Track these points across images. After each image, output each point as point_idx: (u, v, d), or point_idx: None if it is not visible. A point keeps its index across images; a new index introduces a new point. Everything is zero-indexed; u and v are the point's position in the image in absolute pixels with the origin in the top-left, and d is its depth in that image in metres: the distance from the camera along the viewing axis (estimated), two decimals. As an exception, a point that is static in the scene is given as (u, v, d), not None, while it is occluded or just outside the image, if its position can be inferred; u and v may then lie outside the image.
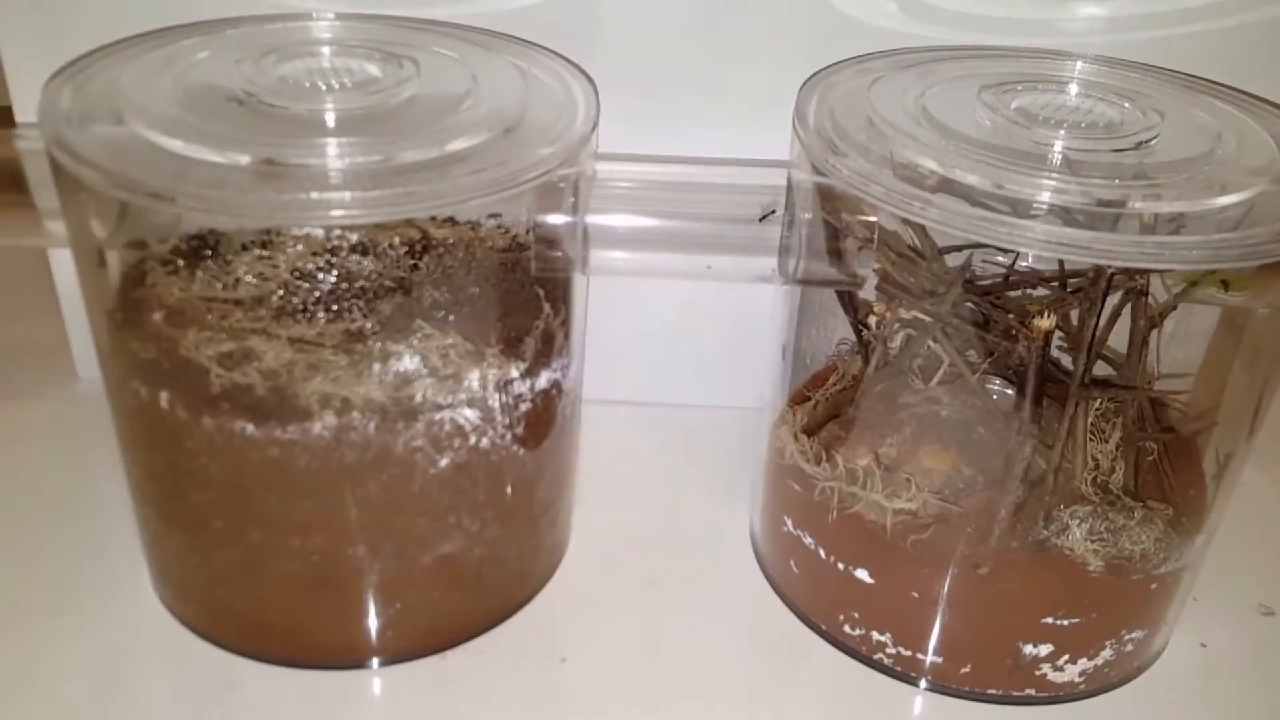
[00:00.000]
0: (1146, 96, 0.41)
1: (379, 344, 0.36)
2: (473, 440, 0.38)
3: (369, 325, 0.36)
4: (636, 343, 0.54)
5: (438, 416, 0.37)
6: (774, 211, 0.38)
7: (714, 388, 0.55)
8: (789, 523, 0.44)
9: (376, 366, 0.36)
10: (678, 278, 0.50)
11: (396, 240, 0.37)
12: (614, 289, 0.51)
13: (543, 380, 0.40)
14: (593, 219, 0.39)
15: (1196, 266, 0.35)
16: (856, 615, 0.42)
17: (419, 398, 0.36)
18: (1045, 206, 0.34)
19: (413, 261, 0.38)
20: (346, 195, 0.33)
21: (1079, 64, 0.43)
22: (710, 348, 0.54)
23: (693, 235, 0.40)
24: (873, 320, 0.42)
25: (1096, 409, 0.41)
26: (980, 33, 0.46)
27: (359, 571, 0.39)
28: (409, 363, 0.36)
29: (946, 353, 0.42)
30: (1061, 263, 0.41)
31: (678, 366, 0.55)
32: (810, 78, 0.43)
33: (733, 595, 0.46)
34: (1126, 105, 0.40)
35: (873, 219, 0.38)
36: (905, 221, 0.42)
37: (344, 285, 0.37)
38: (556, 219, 0.38)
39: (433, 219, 0.41)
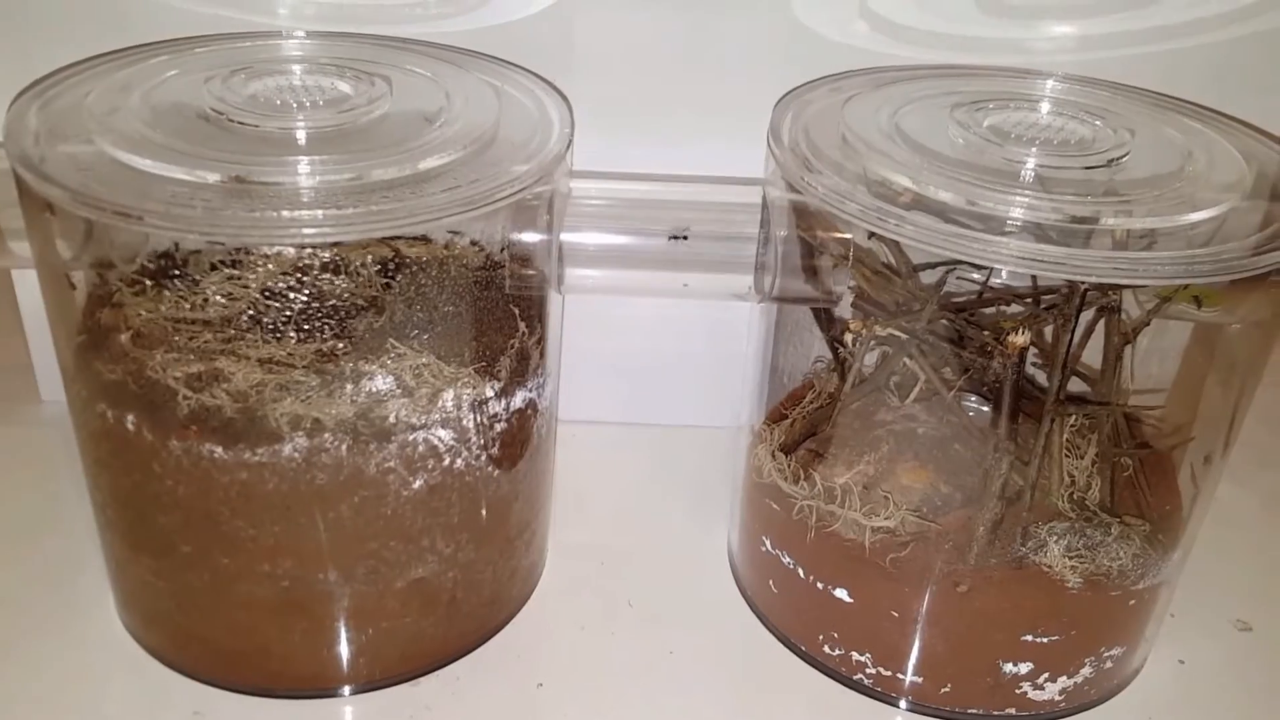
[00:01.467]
0: (1117, 114, 0.41)
1: (351, 364, 0.36)
2: (447, 461, 0.38)
3: (340, 345, 0.36)
4: (613, 363, 0.54)
5: (411, 437, 0.36)
6: (685, 236, 0.38)
7: (691, 408, 0.55)
8: (767, 542, 0.44)
9: (348, 386, 0.35)
10: (653, 295, 0.49)
11: (369, 259, 0.37)
12: (590, 310, 0.51)
13: (518, 400, 0.40)
14: (568, 237, 0.38)
15: (1169, 282, 0.35)
16: (836, 635, 0.42)
17: (392, 418, 0.36)
18: (1018, 223, 0.34)
19: (385, 280, 0.38)
20: (318, 213, 0.32)
21: (1050, 82, 0.44)
22: (687, 368, 0.54)
23: (668, 253, 0.39)
24: (849, 337, 0.42)
25: (1072, 425, 0.41)
26: (951, 52, 0.47)
27: (330, 596, 0.38)
28: (381, 382, 0.36)
29: (922, 370, 0.42)
30: (1035, 280, 0.41)
31: (655, 387, 0.55)
32: (784, 96, 0.43)
33: (711, 617, 0.46)
34: (1098, 123, 0.40)
35: (847, 236, 0.38)
36: (880, 239, 0.42)
37: (315, 305, 0.36)
38: (531, 236, 0.38)
39: (406, 238, 0.41)
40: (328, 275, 0.36)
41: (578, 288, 0.40)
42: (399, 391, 0.36)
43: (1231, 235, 0.35)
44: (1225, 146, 0.39)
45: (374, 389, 0.36)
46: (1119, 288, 0.39)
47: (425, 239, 0.41)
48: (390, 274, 0.38)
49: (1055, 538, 0.38)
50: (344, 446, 0.36)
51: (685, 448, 0.54)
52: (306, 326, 0.36)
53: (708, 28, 0.46)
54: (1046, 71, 0.45)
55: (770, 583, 0.44)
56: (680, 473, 0.53)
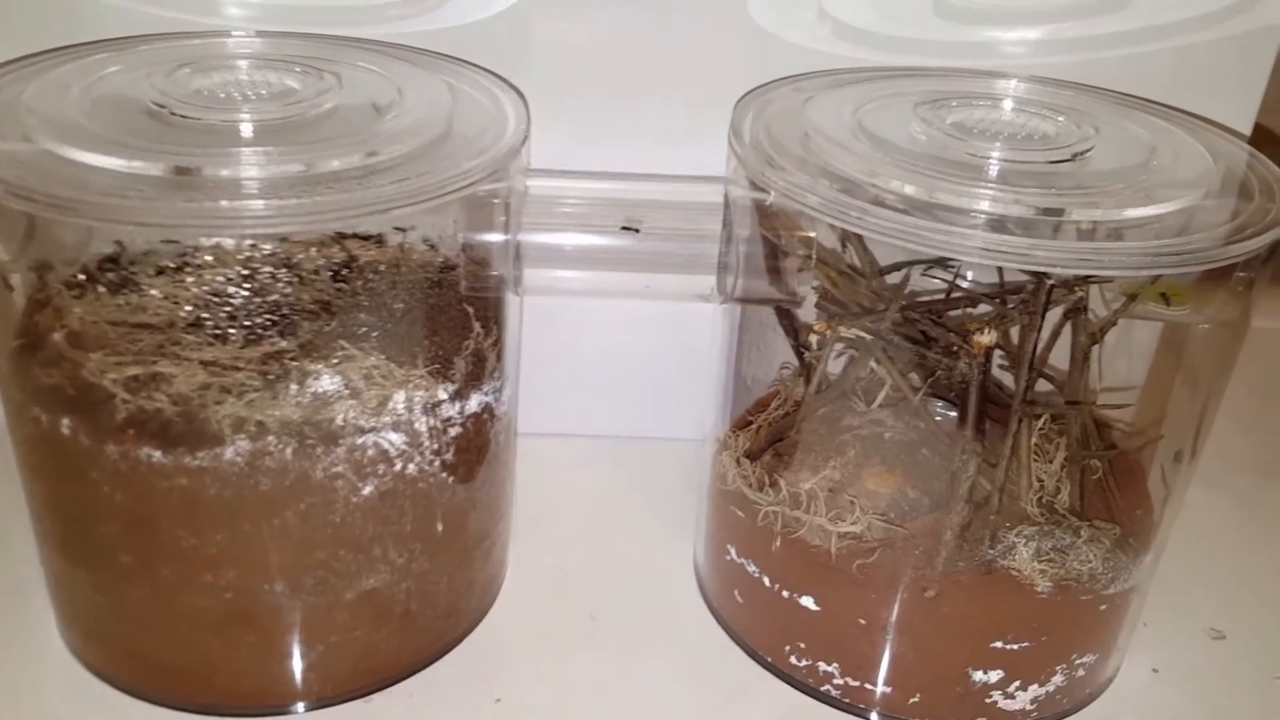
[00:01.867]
0: (1081, 112, 0.41)
1: (297, 365, 0.34)
2: (398, 466, 0.36)
3: (287, 345, 0.34)
4: (577, 376, 0.53)
5: (360, 441, 0.35)
6: (637, 229, 0.37)
7: (655, 419, 0.54)
8: (732, 551, 0.42)
9: (293, 388, 0.34)
10: (614, 296, 0.48)
11: (315, 253, 0.36)
12: (551, 319, 0.50)
13: (473, 403, 0.38)
14: (525, 237, 0.37)
15: (1137, 273, 0.35)
16: (803, 645, 0.41)
17: (339, 421, 0.35)
18: (983, 216, 0.34)
19: (335, 279, 0.37)
20: (259, 204, 0.31)
21: (1013, 82, 0.43)
22: (653, 380, 0.53)
23: (626, 253, 0.39)
24: (813, 339, 0.41)
25: (1040, 429, 0.41)
26: (913, 56, 0.46)
27: (277, 609, 0.37)
28: (328, 384, 0.35)
29: (889, 374, 0.41)
30: (1002, 277, 0.41)
31: (618, 398, 0.54)
32: (745, 95, 0.42)
33: (676, 629, 0.44)
34: (1061, 119, 0.39)
35: (810, 234, 0.37)
36: (844, 237, 0.41)
37: (261, 304, 0.35)
38: (487, 236, 0.37)
39: (360, 237, 0.40)
40: (274, 274, 0.35)
41: (536, 290, 0.39)
42: (347, 393, 0.35)
43: (1200, 229, 0.34)
44: (1190, 143, 0.39)
45: (320, 390, 0.34)
46: (1086, 284, 0.38)
47: (379, 240, 0.40)
48: (340, 273, 0.37)
49: (1024, 541, 0.37)
50: (289, 450, 0.34)
51: (650, 460, 0.53)
52: (248, 323, 0.35)
53: (666, 30, 0.45)
54: (1009, 73, 0.44)
55: (736, 593, 0.43)
56: (645, 485, 0.52)
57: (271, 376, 0.34)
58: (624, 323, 0.52)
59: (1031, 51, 0.46)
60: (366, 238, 0.39)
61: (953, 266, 0.42)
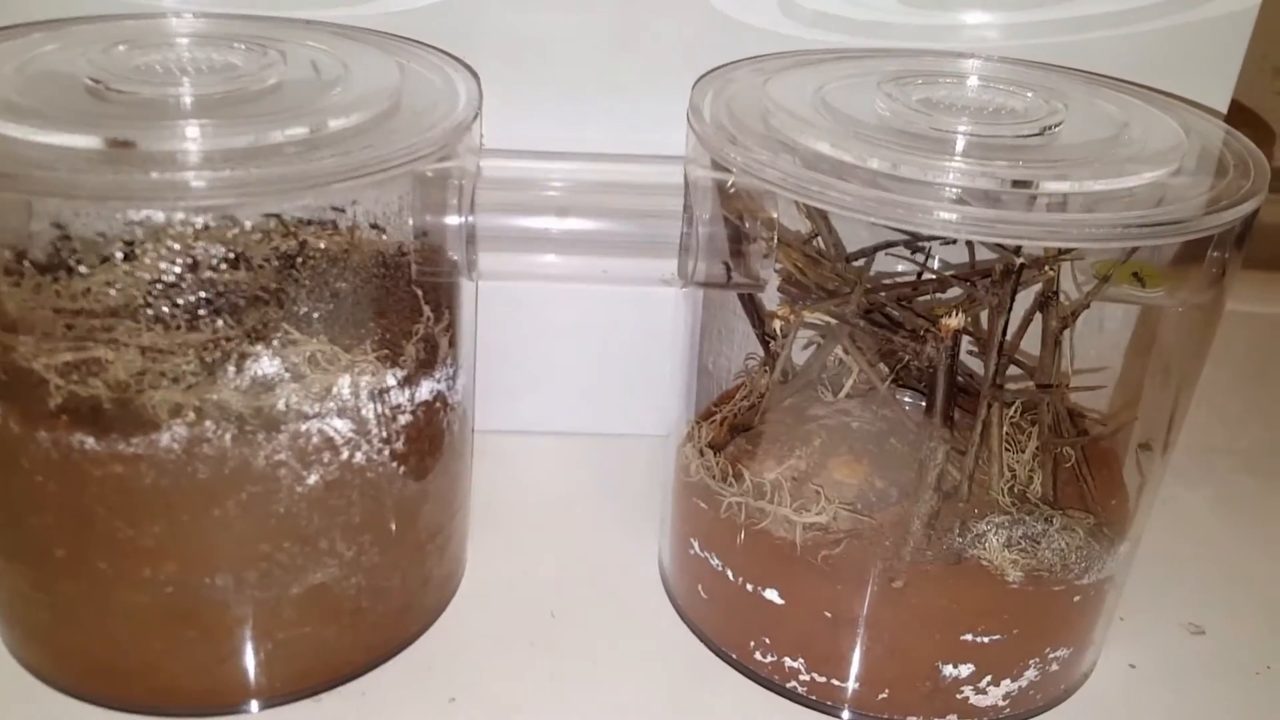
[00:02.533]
0: (1049, 89, 0.39)
1: (237, 348, 0.33)
2: (345, 455, 0.35)
3: (226, 326, 0.33)
4: (535, 367, 0.52)
5: (303, 427, 0.34)
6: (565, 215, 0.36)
7: (620, 415, 0.53)
8: (696, 545, 0.41)
9: (232, 371, 0.33)
10: (572, 281, 0.47)
11: (255, 235, 0.34)
12: (512, 314, 0.49)
13: (424, 391, 0.37)
14: (479, 219, 0.36)
15: (1109, 245, 0.34)
16: (768, 641, 0.39)
17: (281, 406, 0.33)
18: (952, 190, 0.33)
19: (279, 262, 0.35)
20: (193, 176, 0.30)
21: (979, 61, 0.42)
22: (616, 374, 0.52)
23: (587, 236, 0.37)
24: (776, 325, 0.40)
25: (1011, 418, 0.40)
26: (879, 40, 0.45)
27: (220, 604, 0.36)
28: (269, 367, 0.33)
29: (856, 361, 0.40)
30: (973, 259, 0.40)
31: (582, 394, 0.53)
32: (704, 75, 0.41)
33: (639, 627, 0.43)
34: (1029, 95, 0.38)
35: (773, 215, 0.36)
36: (808, 215, 0.40)
37: (202, 287, 0.34)
38: (439, 218, 0.36)
39: (309, 222, 0.38)
40: (216, 257, 0.34)
41: (491, 274, 0.38)
42: (289, 377, 0.33)
43: (1173, 202, 0.33)
44: (1163, 118, 0.38)
45: (261, 374, 0.33)
46: (1056, 262, 0.37)
47: (332, 225, 0.38)
48: (285, 255, 0.35)
49: (994, 530, 0.36)
50: (228, 436, 0.33)
51: (614, 457, 0.52)
52: (191, 311, 0.33)
53: (624, 10, 0.44)
54: (975, 53, 0.44)
55: (700, 588, 0.42)
56: (610, 482, 0.50)
57: (210, 361, 0.33)
58: (584, 310, 0.50)
59: (1003, 35, 0.45)
60: (313, 222, 0.37)
61: (922, 248, 0.41)
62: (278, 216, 0.34)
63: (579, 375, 0.52)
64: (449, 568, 0.43)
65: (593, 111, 0.46)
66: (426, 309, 0.37)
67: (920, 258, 0.41)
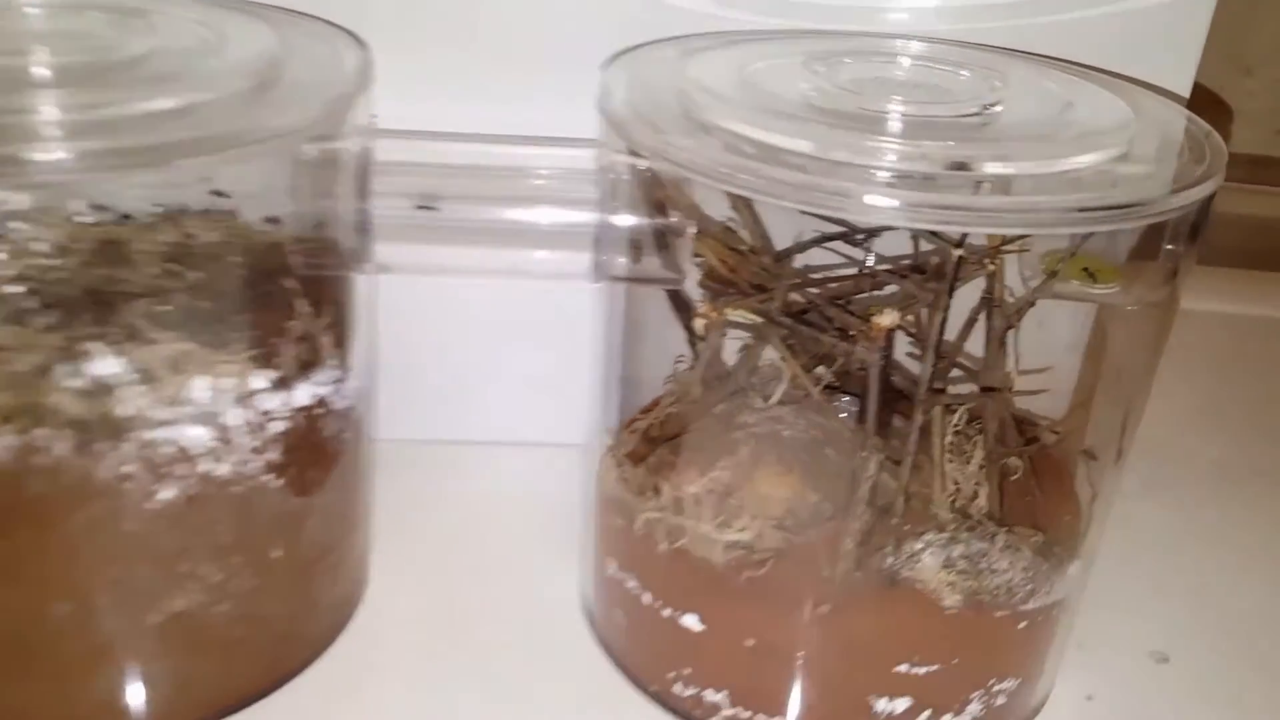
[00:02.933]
0: (987, 69, 0.36)
1: (71, 343, 0.29)
2: (204, 467, 0.31)
3: (56, 319, 0.29)
4: (453, 374, 0.48)
5: (150, 435, 0.30)
6: (433, 207, 0.32)
7: (544, 423, 0.49)
8: (613, 566, 0.38)
9: (67, 372, 0.29)
10: (477, 276, 0.44)
11: (83, 223, 0.30)
12: (423, 312, 0.45)
13: (302, 395, 0.34)
14: (371, 206, 0.33)
15: (1056, 231, 0.30)
16: (688, 672, 0.36)
17: (123, 410, 0.30)
18: (885, 174, 0.29)
19: (129, 252, 0.32)
20: (26, 151, 0.26)
21: (911, 42, 0.39)
22: (538, 379, 0.48)
23: (492, 226, 0.34)
24: (699, 323, 0.37)
25: (956, 427, 0.36)
26: (803, 20, 0.42)
27: (65, 634, 0.32)
28: (110, 366, 0.29)
29: (786, 364, 0.37)
30: (916, 251, 0.37)
31: (501, 400, 0.49)
32: (616, 55, 0.38)
33: (555, 656, 0.39)
34: (965, 74, 0.35)
35: (693, 201, 0.33)
36: (733, 204, 0.37)
37: (33, 280, 0.30)
38: (323, 204, 0.32)
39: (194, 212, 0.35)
40: (28, 226, 0.30)
41: (385, 268, 0.34)
42: (134, 378, 0.30)
43: (1124, 184, 0.30)
44: (1107, 95, 0.35)
45: (100, 375, 0.29)
46: (999, 253, 0.34)
47: (208, 213, 0.35)
48: (135, 245, 0.32)
49: (929, 549, 0.33)
50: (65, 446, 0.29)
51: (533, 469, 0.48)
52: (22, 307, 0.30)
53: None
54: (908, 34, 0.40)
55: (619, 613, 0.38)
56: (529, 497, 0.47)
57: (41, 360, 0.29)
58: (502, 307, 0.47)
59: (931, 19, 0.42)
60: (177, 209, 0.34)
61: (858, 241, 0.37)
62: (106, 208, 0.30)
63: (498, 379, 0.48)
64: (343, 590, 0.39)
65: (500, 90, 0.42)
66: (304, 305, 0.33)
67: (858, 252, 0.38)
